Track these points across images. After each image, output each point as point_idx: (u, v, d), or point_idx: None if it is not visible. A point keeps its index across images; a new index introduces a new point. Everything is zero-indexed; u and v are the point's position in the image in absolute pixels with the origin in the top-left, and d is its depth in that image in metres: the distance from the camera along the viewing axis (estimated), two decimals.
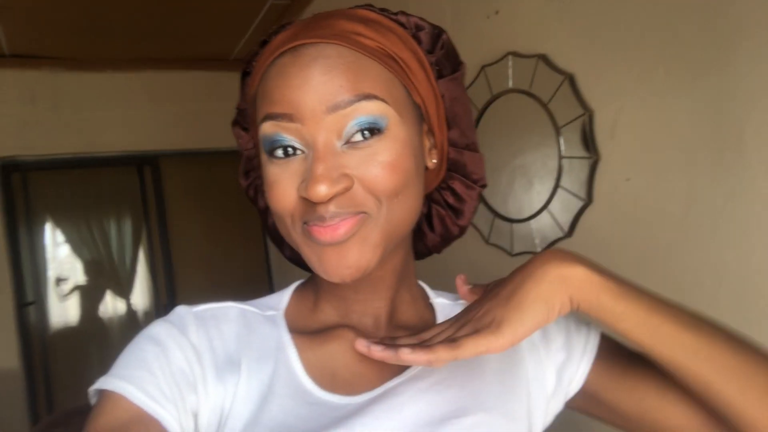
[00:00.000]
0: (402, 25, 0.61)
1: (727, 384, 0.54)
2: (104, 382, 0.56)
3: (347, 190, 0.53)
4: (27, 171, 3.48)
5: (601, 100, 1.53)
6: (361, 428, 0.57)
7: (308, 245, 0.56)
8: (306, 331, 0.65)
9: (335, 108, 0.53)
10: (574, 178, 1.62)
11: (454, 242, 0.73)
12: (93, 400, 0.58)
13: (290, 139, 0.54)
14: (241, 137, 0.67)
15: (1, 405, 3.13)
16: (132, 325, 3.87)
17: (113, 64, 3.41)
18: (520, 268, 0.59)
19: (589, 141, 1.56)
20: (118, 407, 0.54)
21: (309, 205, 0.54)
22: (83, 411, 1.02)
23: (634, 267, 1.26)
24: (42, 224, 3.68)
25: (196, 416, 0.57)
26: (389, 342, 0.56)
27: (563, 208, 1.66)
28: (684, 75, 1.30)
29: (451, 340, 0.53)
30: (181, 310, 0.64)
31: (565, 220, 1.65)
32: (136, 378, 0.55)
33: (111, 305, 3.94)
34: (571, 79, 1.59)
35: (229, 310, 0.65)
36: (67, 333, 3.75)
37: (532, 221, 1.77)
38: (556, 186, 1.67)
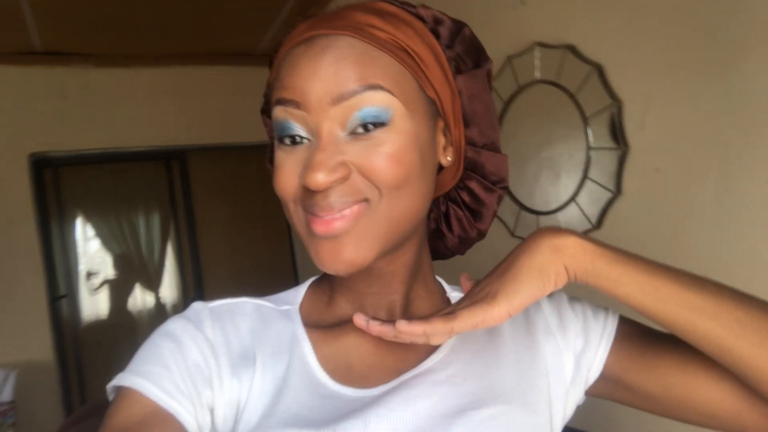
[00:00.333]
0: (421, 18, 0.61)
1: (739, 339, 0.53)
2: (121, 379, 0.57)
3: (345, 179, 0.54)
4: (58, 166, 3.54)
5: (630, 90, 1.51)
6: (376, 419, 0.56)
7: (308, 236, 0.57)
8: (321, 325, 0.65)
9: (341, 98, 0.53)
10: (603, 169, 1.59)
11: (470, 248, 0.72)
12: (111, 397, 0.58)
13: (297, 127, 0.55)
14: (267, 124, 0.67)
15: (36, 397, 3.19)
16: (161, 318, 3.92)
17: (141, 60, 3.45)
18: (516, 247, 0.59)
19: (617, 132, 1.54)
20: (135, 403, 0.54)
21: (309, 192, 0.54)
22: None
23: (664, 259, 1.23)
24: (73, 219, 3.75)
25: (212, 411, 0.58)
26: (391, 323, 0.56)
27: (591, 200, 1.64)
28: (715, 64, 1.27)
29: (448, 313, 0.54)
30: (197, 306, 0.64)
31: (593, 212, 1.62)
32: (152, 374, 0.56)
33: (140, 299, 4.00)
34: (599, 70, 1.57)
35: (244, 305, 0.66)
36: (98, 326, 3.83)
37: (559, 213, 1.75)
38: (584, 178, 1.65)
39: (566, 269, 0.56)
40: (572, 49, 1.64)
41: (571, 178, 1.70)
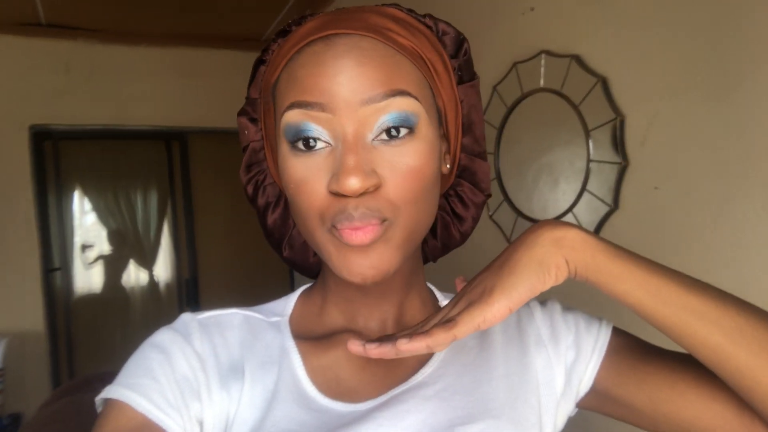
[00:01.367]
0: (429, 27, 0.61)
1: (738, 347, 0.51)
2: (109, 391, 0.56)
3: (377, 188, 0.52)
4: (58, 140, 3.53)
5: (633, 105, 1.51)
6: None
7: (334, 245, 0.54)
8: (311, 336, 0.65)
9: (369, 101, 0.52)
10: (602, 182, 1.60)
11: (467, 244, 0.71)
12: (99, 409, 0.58)
13: (318, 130, 0.53)
14: (247, 128, 0.65)
15: (26, 365, 3.23)
16: (154, 295, 3.94)
17: (147, 39, 3.43)
18: (513, 241, 0.57)
19: (618, 146, 1.54)
20: (122, 416, 0.54)
21: (338, 202, 0.52)
22: (103, 376, 1.06)
23: None
24: (71, 192, 3.74)
25: (201, 424, 0.57)
26: (386, 338, 0.54)
27: (588, 211, 1.65)
28: (719, 85, 1.28)
29: (447, 320, 0.51)
30: (185, 318, 0.64)
31: (590, 223, 1.64)
32: (141, 386, 0.55)
33: (134, 275, 4.01)
34: (604, 82, 1.57)
35: (233, 317, 0.65)
36: (91, 300, 3.83)
37: None
38: (583, 189, 1.66)
39: (567, 262, 0.53)
40: (578, 60, 1.64)
41: (570, 189, 1.71)
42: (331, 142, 0.53)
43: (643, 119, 1.48)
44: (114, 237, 3.93)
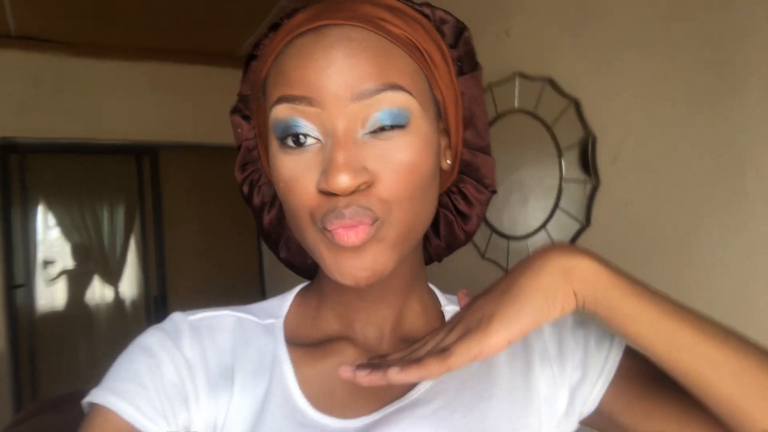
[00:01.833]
0: (426, 16, 0.59)
1: (757, 407, 0.47)
2: (96, 395, 0.54)
3: (368, 186, 0.50)
4: (25, 153, 3.47)
5: (604, 126, 1.57)
6: None
7: (326, 245, 0.52)
8: (305, 341, 0.62)
9: (360, 96, 0.49)
10: (574, 200, 1.65)
11: (452, 253, 0.69)
12: (86, 411, 0.56)
13: (306, 125, 0.51)
14: (240, 126, 0.63)
15: None
16: (118, 312, 3.86)
17: (118, 53, 3.41)
18: (519, 262, 0.53)
19: (590, 166, 1.60)
20: (108, 422, 0.52)
21: (328, 201, 0.50)
22: (74, 397, 1.03)
23: None
24: (36, 207, 3.67)
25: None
26: (378, 360, 0.52)
27: (561, 229, 1.70)
28: (689, 107, 1.33)
29: (442, 350, 0.48)
30: (176, 318, 0.61)
31: (562, 240, 1.68)
32: (128, 392, 0.54)
33: (99, 292, 3.93)
34: (576, 104, 1.63)
35: (225, 319, 0.62)
36: (54, 318, 3.74)
37: (529, 239, 1.80)
38: (555, 207, 1.71)
39: (575, 295, 0.49)
40: (551, 82, 1.70)
41: (543, 205, 1.75)
42: (320, 138, 0.51)
43: (614, 139, 1.54)
44: (78, 252, 3.86)
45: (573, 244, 0.54)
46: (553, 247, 0.52)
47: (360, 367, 0.49)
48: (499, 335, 0.47)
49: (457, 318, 0.53)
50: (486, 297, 0.52)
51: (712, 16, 1.27)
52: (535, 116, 1.76)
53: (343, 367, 0.50)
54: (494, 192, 0.64)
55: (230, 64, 3.48)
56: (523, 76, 1.79)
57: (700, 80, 1.31)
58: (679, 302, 0.50)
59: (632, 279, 0.51)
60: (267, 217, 0.65)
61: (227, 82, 3.31)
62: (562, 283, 0.49)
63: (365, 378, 0.48)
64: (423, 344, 0.53)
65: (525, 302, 0.48)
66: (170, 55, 3.49)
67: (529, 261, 0.52)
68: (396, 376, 0.47)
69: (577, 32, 1.63)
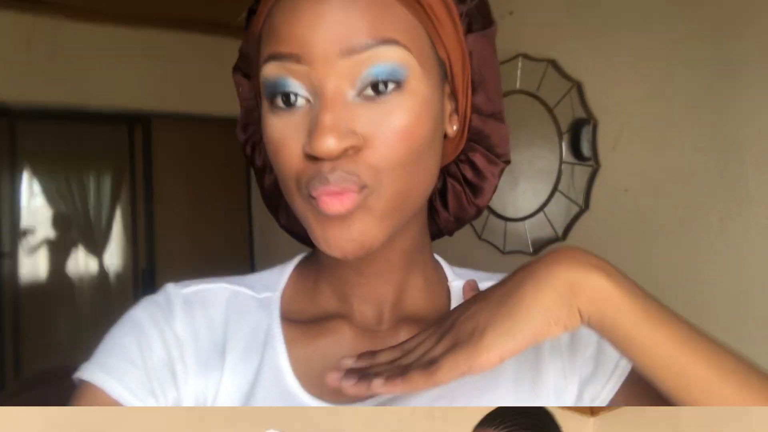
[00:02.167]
0: None
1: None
2: (85, 372, 0.54)
3: (356, 151, 0.46)
4: (15, 118, 3.41)
5: (606, 111, 1.55)
6: None
7: (314, 214, 0.49)
8: (302, 317, 0.59)
9: (350, 51, 0.46)
10: (573, 183, 1.64)
11: (462, 227, 0.65)
12: (77, 385, 0.55)
13: (295, 84, 0.48)
14: (241, 84, 0.60)
15: None
16: (104, 285, 3.82)
17: (114, 18, 3.33)
18: (524, 266, 0.48)
19: (590, 149, 1.58)
20: (96, 400, 0.52)
21: (313, 165, 0.47)
22: (62, 371, 1.01)
23: None
24: (22, 174, 3.62)
25: None
26: (367, 360, 0.50)
27: (559, 211, 1.68)
28: (691, 95, 1.33)
29: (429, 362, 0.45)
30: (170, 290, 0.59)
31: (560, 223, 1.67)
32: (117, 369, 0.53)
33: (82, 262, 3.87)
34: (578, 87, 1.61)
35: (219, 292, 0.60)
36: (37, 289, 3.69)
37: (527, 221, 1.79)
38: (554, 189, 1.69)
39: (580, 313, 0.45)
40: (554, 64, 1.67)
41: (542, 187, 1.74)
42: (309, 97, 0.48)
43: (616, 124, 1.52)
44: (60, 221, 3.80)
45: (586, 251, 0.47)
46: (562, 255, 0.47)
47: (348, 374, 0.47)
48: (491, 353, 0.44)
49: (448, 325, 0.49)
50: (481, 304, 0.48)
51: (717, 1, 1.26)
52: (536, 98, 1.74)
53: (330, 374, 0.48)
54: (507, 162, 0.59)
55: (228, 34, 3.42)
56: (526, 56, 1.76)
57: (703, 70, 1.30)
58: (695, 328, 0.46)
59: (647, 300, 0.46)
60: (268, 179, 0.62)
61: (222, 52, 3.27)
62: (566, 299, 0.45)
63: (351, 388, 0.46)
64: (414, 347, 0.50)
65: (522, 317, 0.44)
66: (167, 23, 3.43)
67: (534, 268, 0.47)
68: (380, 388, 0.45)
69: (581, 14, 1.61)
